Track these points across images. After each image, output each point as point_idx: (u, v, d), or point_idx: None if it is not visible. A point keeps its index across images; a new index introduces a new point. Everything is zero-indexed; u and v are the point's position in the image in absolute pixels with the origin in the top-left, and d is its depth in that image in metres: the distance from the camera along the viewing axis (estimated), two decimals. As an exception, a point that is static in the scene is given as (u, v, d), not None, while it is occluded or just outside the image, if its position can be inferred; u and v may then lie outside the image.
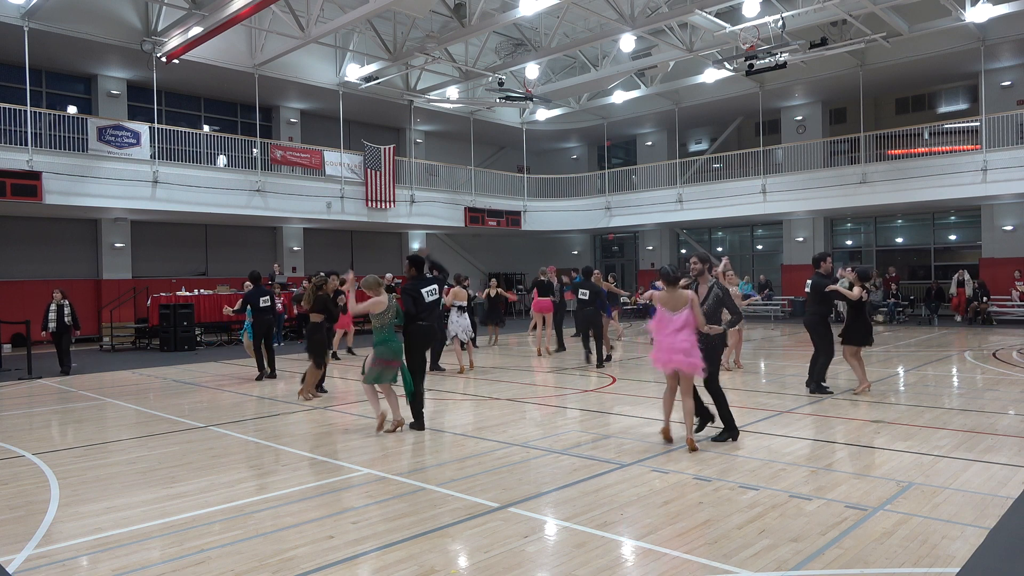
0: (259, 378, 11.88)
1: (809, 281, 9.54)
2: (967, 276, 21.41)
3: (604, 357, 12.89)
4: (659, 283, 6.93)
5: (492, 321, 16.95)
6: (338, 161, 22.21)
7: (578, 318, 13.35)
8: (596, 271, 14.14)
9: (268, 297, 11.89)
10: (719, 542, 4.23)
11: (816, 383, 9.44)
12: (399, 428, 7.47)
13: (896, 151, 22.10)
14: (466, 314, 12.72)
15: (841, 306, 14.62)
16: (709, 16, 17.08)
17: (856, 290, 9.06)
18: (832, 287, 9.22)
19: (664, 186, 26.70)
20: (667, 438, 6.71)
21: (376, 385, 7.49)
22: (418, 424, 7.63)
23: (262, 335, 11.96)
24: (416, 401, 7.67)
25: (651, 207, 26.52)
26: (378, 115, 25.60)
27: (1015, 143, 19.54)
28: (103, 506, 5.15)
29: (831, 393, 9.34)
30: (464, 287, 13.01)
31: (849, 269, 9.87)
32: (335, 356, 14.84)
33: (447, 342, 12.85)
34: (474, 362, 12.95)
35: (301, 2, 17.63)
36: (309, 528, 4.59)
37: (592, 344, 12.99)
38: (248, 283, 12.55)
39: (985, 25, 18.61)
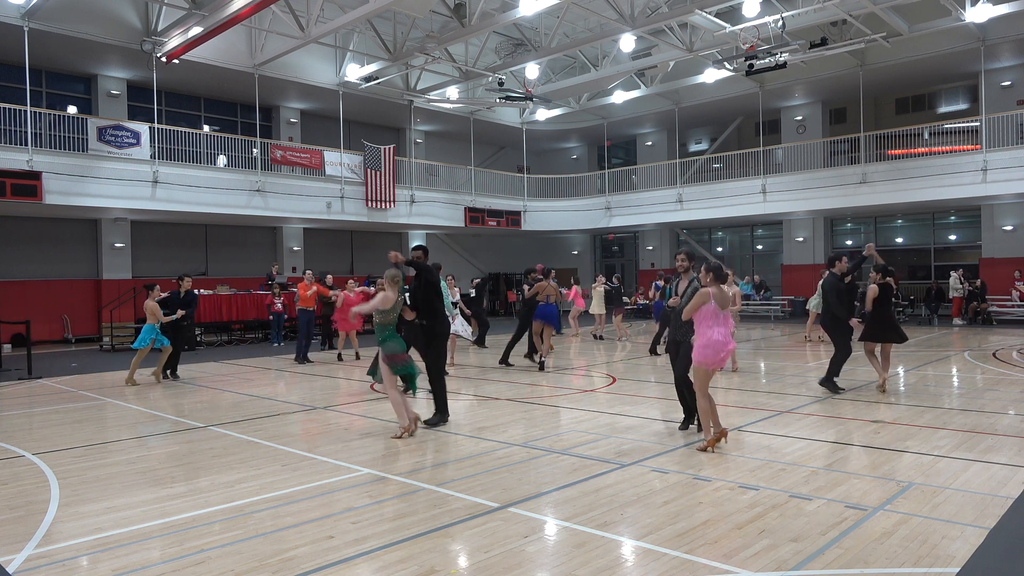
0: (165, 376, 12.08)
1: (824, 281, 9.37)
2: (961, 280, 21.25)
3: (538, 361, 12.86)
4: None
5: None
6: (338, 161, 22.21)
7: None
8: (548, 270, 13.92)
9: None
10: (719, 542, 4.23)
11: (828, 380, 9.37)
12: (409, 433, 7.23)
13: (896, 151, 22.11)
14: (458, 310, 12.78)
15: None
16: (709, 16, 17.09)
17: (871, 290, 9.15)
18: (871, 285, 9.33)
19: (664, 186, 26.71)
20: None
21: (380, 384, 7.44)
22: (445, 415, 7.91)
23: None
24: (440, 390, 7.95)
25: (651, 207, 26.53)
26: (378, 115, 25.61)
27: (1015, 143, 19.55)
28: (103, 506, 5.15)
29: (842, 391, 9.26)
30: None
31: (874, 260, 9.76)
32: (340, 358, 14.84)
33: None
34: (454, 360, 13.07)
35: (301, 2, 17.64)
36: (309, 528, 4.59)
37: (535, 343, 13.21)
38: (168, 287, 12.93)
39: (985, 25, 18.62)
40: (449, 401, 8.06)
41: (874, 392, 9.25)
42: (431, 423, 7.74)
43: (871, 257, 9.63)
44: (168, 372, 12.12)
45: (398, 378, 7.49)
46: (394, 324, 7.34)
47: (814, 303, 15.32)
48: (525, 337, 13.59)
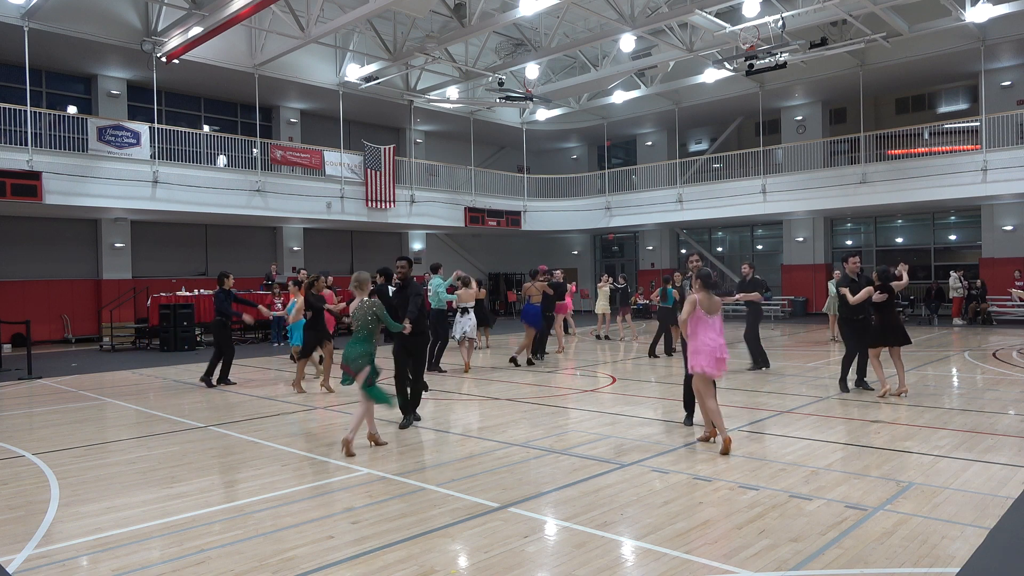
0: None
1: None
2: (961, 280, 21.24)
3: (526, 359, 13.49)
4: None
5: (482, 323, 16.86)
6: (338, 161, 22.21)
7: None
8: (547, 269, 14.26)
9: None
10: (719, 542, 4.23)
11: (852, 380, 9.42)
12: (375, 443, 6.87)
13: (896, 151, 22.10)
14: (472, 314, 12.74)
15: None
16: (709, 16, 17.08)
17: (863, 292, 8.83)
18: (844, 290, 9.08)
19: (664, 186, 26.71)
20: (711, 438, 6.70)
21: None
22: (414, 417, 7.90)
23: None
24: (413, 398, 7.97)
25: (651, 207, 26.53)
26: (378, 115, 25.61)
27: (1015, 143, 19.54)
28: (103, 506, 5.15)
29: (872, 390, 9.27)
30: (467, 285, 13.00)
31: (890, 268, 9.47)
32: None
33: (456, 340, 12.85)
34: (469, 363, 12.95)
35: (301, 2, 17.64)
36: (309, 528, 4.59)
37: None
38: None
39: (985, 25, 18.62)
40: (448, 401, 8.05)
41: (873, 392, 9.24)
42: (403, 425, 7.71)
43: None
44: (216, 378, 11.28)
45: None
46: (365, 333, 6.72)
47: (832, 306, 15.37)
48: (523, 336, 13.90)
